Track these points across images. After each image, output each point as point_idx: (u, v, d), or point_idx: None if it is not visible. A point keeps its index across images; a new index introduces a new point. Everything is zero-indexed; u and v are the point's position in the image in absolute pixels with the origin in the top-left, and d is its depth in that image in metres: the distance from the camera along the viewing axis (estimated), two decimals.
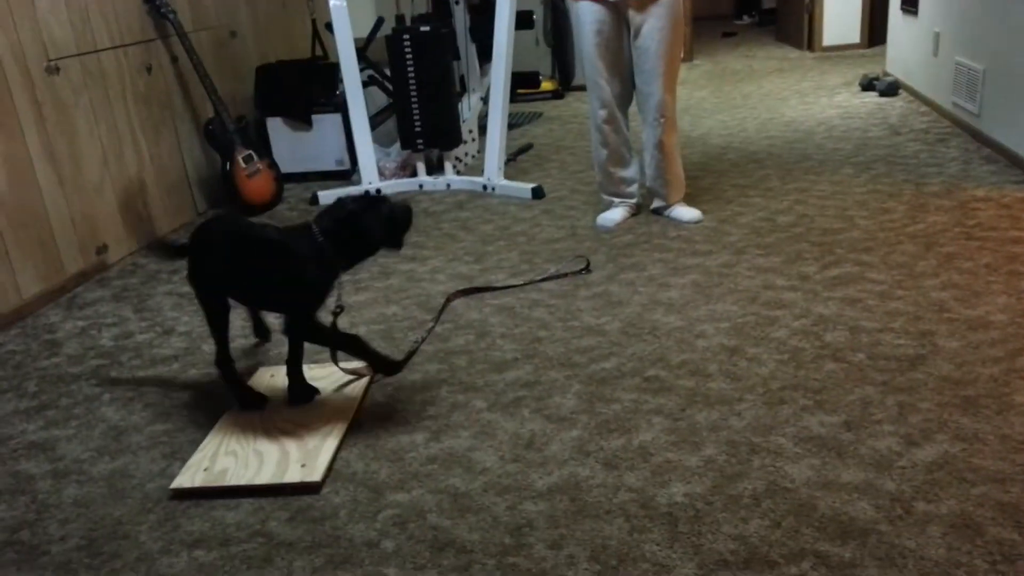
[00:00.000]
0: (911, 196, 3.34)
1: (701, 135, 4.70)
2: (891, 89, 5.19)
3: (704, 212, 3.35)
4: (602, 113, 3.24)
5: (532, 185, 3.83)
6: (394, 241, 2.07)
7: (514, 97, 5.40)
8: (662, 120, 3.18)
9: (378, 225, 2.01)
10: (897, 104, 5.01)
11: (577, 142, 4.84)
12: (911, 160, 3.83)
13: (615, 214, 3.36)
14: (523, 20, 4.34)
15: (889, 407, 1.92)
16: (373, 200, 2.04)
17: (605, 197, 3.44)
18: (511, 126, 5.23)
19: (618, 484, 1.73)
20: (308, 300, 2.02)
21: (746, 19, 10.07)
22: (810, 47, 7.32)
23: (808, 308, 2.46)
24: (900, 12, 5.37)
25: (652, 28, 3.03)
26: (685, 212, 3.33)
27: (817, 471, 1.71)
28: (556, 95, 6.33)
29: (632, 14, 3.05)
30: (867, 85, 5.44)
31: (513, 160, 4.47)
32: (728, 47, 8.23)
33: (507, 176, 4.02)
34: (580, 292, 2.73)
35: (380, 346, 2.36)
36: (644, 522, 1.61)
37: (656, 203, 3.41)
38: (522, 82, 6.07)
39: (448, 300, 2.73)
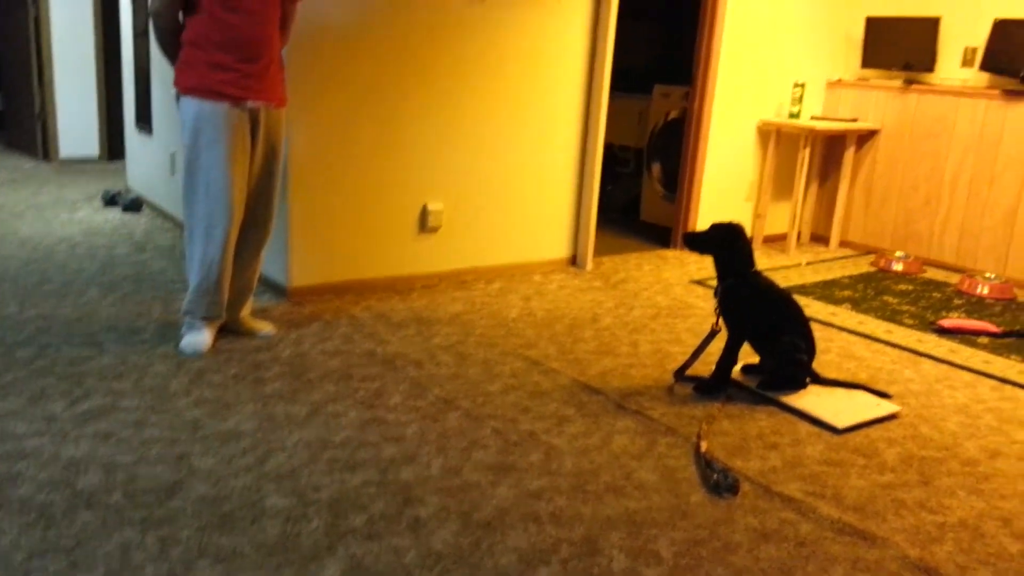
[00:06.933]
0: (160, 314, 3.39)
1: None
2: (134, 205, 5.25)
3: None
4: None
5: None
6: None
7: None
8: None
9: None
10: (142, 220, 5.08)
11: None
12: (159, 277, 3.91)
13: None
14: None
15: (150, 546, 1.86)
16: None
17: None
18: None
19: None
20: None
21: None
22: (46, 157, 6.94)
23: (57, 453, 2.24)
24: (136, 130, 5.52)
25: None
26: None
27: None
28: None
29: None
30: (110, 200, 5.39)
31: None
32: None
33: None
34: None
35: None
36: None
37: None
38: None
39: None
